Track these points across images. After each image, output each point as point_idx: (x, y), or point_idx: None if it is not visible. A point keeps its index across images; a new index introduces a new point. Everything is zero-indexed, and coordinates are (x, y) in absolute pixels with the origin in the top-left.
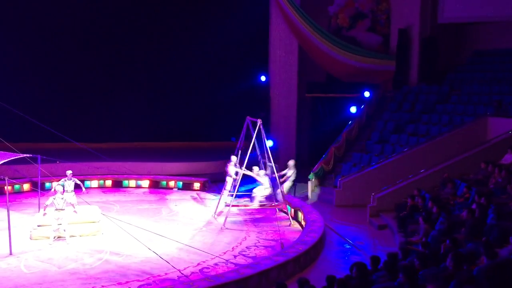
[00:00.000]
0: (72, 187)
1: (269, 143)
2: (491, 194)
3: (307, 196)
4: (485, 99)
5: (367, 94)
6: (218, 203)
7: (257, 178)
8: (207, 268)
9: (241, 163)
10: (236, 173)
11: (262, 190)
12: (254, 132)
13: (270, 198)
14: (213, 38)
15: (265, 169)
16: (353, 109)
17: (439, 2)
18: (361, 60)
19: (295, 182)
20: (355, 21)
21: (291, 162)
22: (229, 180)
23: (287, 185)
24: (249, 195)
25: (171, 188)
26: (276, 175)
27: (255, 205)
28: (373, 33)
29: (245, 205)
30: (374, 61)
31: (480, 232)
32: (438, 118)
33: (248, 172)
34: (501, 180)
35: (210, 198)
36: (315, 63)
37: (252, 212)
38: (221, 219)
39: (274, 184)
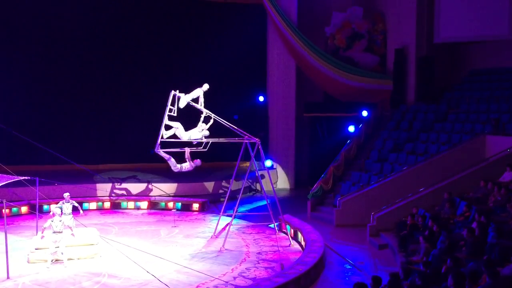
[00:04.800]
0: (70, 209)
1: (268, 163)
2: (491, 212)
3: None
4: (483, 117)
5: (365, 113)
6: (218, 223)
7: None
8: None
9: (238, 183)
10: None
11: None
12: (253, 152)
13: None
14: (211, 59)
15: None
16: (351, 128)
17: (435, 23)
18: (359, 80)
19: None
20: (352, 42)
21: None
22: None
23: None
24: (248, 215)
25: (170, 209)
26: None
27: None
28: (370, 53)
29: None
30: (371, 81)
31: (481, 250)
32: (436, 136)
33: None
34: (501, 198)
35: (210, 219)
36: (312, 83)
37: (251, 233)
38: (220, 240)
39: None
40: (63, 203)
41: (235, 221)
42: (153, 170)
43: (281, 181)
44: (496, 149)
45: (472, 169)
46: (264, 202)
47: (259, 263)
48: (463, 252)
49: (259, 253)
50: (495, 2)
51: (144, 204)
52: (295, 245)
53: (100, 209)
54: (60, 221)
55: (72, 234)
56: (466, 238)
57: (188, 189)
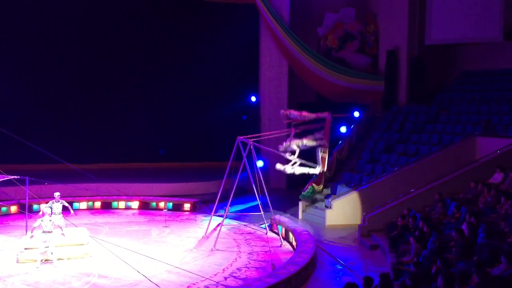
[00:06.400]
0: (60, 209)
1: (259, 164)
2: (481, 213)
3: (297, 216)
4: (474, 118)
5: (356, 114)
6: (209, 223)
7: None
8: None
9: (230, 183)
10: None
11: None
12: (245, 153)
13: None
14: (204, 59)
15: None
16: (343, 129)
17: (426, 24)
18: (350, 81)
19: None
20: (344, 43)
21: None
22: None
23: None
24: (239, 216)
25: (161, 209)
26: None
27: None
28: (361, 54)
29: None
30: (363, 82)
31: (471, 251)
32: (427, 137)
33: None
34: (491, 199)
35: (201, 219)
36: (304, 83)
37: (243, 233)
38: (211, 240)
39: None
40: (53, 203)
41: (226, 221)
42: (145, 170)
43: (273, 182)
44: (486, 151)
45: (462, 170)
46: (255, 203)
47: (250, 263)
48: (453, 253)
49: (250, 253)
50: (487, 4)
51: (135, 204)
52: (286, 246)
53: (91, 209)
54: (50, 220)
55: (62, 234)
56: (456, 239)
57: (179, 189)
